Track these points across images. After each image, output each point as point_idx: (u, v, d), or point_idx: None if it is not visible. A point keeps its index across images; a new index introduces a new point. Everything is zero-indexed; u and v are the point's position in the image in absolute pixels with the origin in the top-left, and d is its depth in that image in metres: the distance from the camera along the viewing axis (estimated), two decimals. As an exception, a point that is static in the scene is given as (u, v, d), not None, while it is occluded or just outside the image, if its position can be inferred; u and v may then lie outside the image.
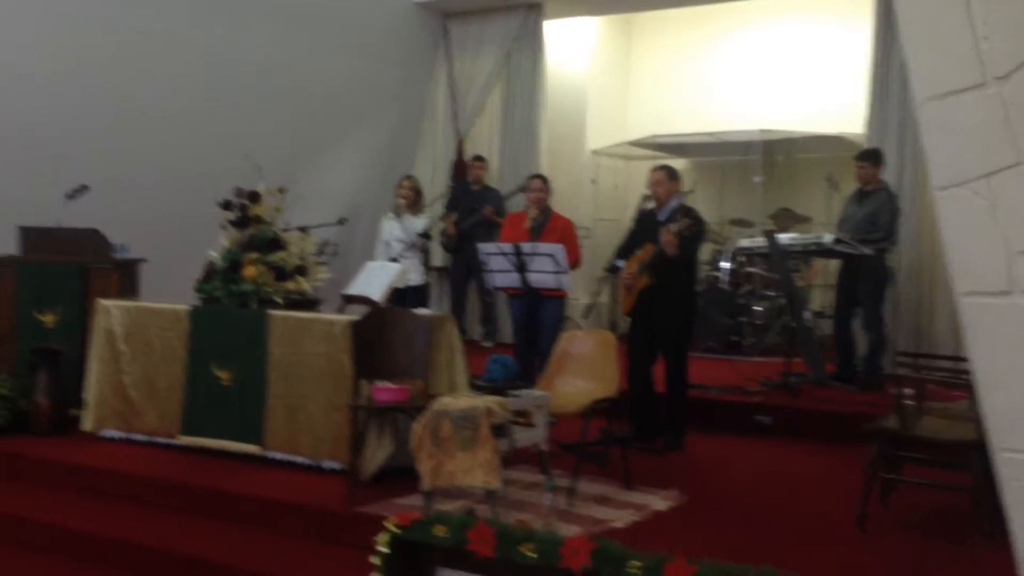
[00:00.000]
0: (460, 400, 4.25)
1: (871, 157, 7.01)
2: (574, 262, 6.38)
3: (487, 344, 9.17)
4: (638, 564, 2.45)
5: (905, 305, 7.57)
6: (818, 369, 6.94)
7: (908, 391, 4.70)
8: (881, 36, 7.88)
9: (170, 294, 6.17)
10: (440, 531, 2.76)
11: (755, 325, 8.73)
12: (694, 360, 6.02)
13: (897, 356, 6.43)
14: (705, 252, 8.50)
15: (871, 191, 6.94)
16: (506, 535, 2.66)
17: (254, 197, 5.52)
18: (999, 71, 2.70)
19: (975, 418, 3.80)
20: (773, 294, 8.83)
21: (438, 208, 9.06)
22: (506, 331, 9.30)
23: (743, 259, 8.88)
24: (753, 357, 8.45)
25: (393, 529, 2.85)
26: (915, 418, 4.38)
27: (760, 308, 8.77)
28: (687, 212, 5.78)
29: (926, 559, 3.93)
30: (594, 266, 9.50)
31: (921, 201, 7.55)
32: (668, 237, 5.44)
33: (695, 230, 5.59)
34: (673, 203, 5.82)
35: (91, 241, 6.21)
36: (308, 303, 5.45)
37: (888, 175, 7.63)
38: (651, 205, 5.93)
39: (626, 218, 10.57)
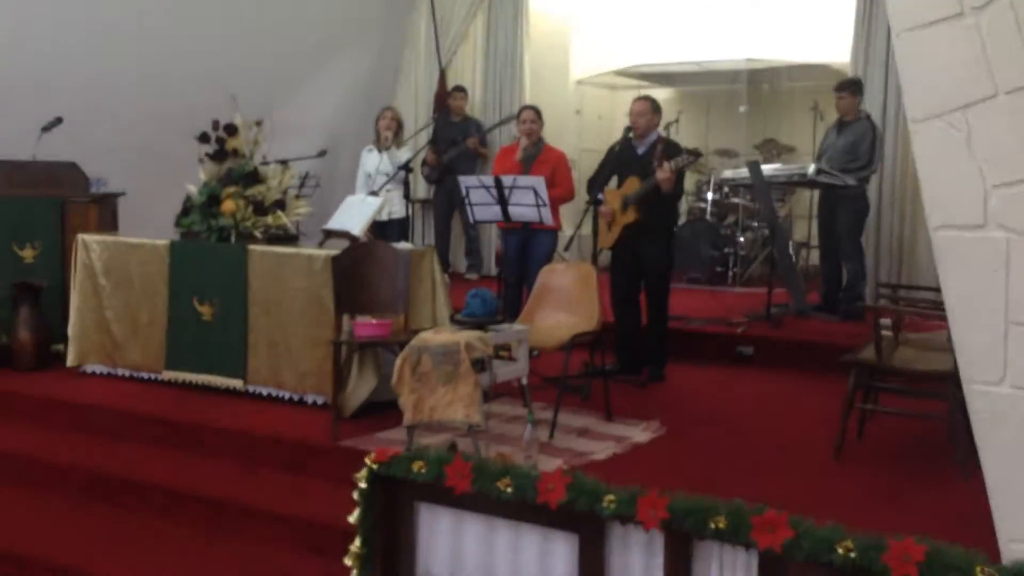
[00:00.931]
0: (440, 335, 4.26)
1: (850, 87, 6.96)
2: (567, 194, 6.34)
3: (471, 276, 9.18)
4: (612, 498, 2.49)
5: (887, 235, 7.59)
6: (799, 300, 6.98)
7: (885, 322, 4.76)
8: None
9: (149, 227, 6.13)
10: (418, 467, 2.79)
11: (739, 256, 8.76)
12: (679, 291, 6.06)
13: (878, 288, 6.46)
14: (690, 182, 8.46)
15: (851, 121, 6.91)
16: (483, 471, 2.69)
17: (231, 130, 5.45)
18: (977, 1, 2.66)
19: (952, 349, 3.84)
20: (757, 225, 8.84)
21: (420, 139, 8.97)
22: (490, 263, 9.30)
23: (727, 190, 8.86)
24: (737, 288, 8.50)
25: (372, 465, 2.88)
26: (892, 349, 4.43)
27: (744, 239, 8.79)
28: (668, 144, 5.74)
29: (899, 487, 4.01)
30: (580, 197, 9.46)
31: (904, 132, 7.50)
32: (667, 174, 5.41)
33: (692, 165, 5.56)
34: (652, 136, 5.77)
35: (68, 175, 6.15)
36: (288, 237, 5.43)
37: (873, 105, 7.59)
38: (631, 136, 5.87)
39: (611, 148, 10.51)
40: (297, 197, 5.99)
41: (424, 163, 8.83)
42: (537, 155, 6.31)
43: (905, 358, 4.33)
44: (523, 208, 5.43)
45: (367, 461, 2.92)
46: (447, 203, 9.04)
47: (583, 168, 9.99)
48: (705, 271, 8.71)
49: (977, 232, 2.71)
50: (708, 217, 8.93)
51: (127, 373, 5.71)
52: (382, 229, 7.18)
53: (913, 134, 2.82)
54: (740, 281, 8.64)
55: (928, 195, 2.81)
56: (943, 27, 2.71)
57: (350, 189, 8.84)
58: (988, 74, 2.66)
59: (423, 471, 2.79)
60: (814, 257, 8.47)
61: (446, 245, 9.28)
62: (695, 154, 5.50)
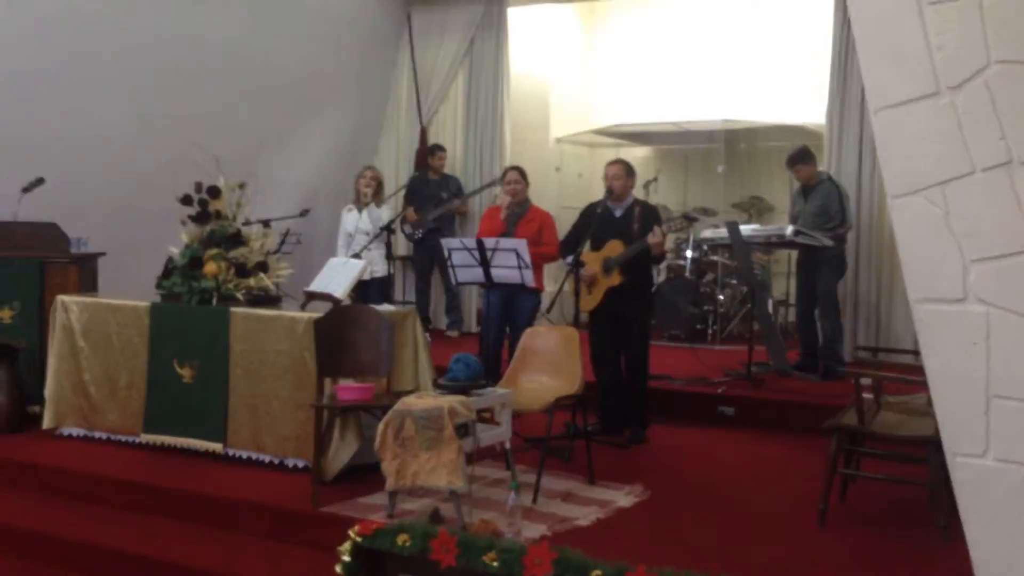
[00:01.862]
0: (423, 400, 4.25)
1: (802, 159, 7.06)
2: (553, 252, 6.36)
3: (452, 334, 9.18)
4: (599, 573, 2.47)
5: (864, 295, 7.67)
6: (779, 359, 7.02)
7: (866, 382, 4.79)
8: (842, 26, 7.91)
9: (130, 287, 6.10)
10: (403, 540, 2.76)
11: (719, 313, 8.81)
12: (659, 348, 6.08)
13: (857, 350, 6.50)
14: (669, 241, 8.55)
15: (814, 185, 7.02)
16: (469, 544, 2.67)
17: (214, 192, 5.46)
18: (952, 81, 2.73)
19: (932, 413, 3.87)
20: (736, 282, 8.92)
21: (401, 197, 9.02)
22: (471, 321, 9.30)
23: (706, 248, 8.95)
24: (717, 345, 8.54)
25: (356, 538, 2.85)
26: (873, 413, 4.46)
27: (723, 296, 8.85)
28: (646, 207, 5.81)
29: (884, 554, 4.00)
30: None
31: (879, 192, 7.63)
32: (659, 239, 5.47)
33: (684, 227, 5.63)
34: (629, 199, 5.84)
35: (49, 235, 6.13)
36: (270, 299, 5.41)
37: (848, 166, 7.73)
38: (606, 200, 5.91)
39: (590, 206, 10.61)
40: (277, 252, 5.94)
41: (404, 220, 8.87)
42: (523, 215, 6.35)
43: (886, 423, 4.36)
44: (505, 270, 5.45)
45: (351, 534, 2.90)
46: (428, 260, 9.06)
47: (563, 224, 10.04)
48: (685, 328, 8.75)
49: (957, 306, 2.75)
50: (687, 275, 8.99)
51: (104, 436, 5.64)
52: (363, 288, 7.17)
53: (892, 209, 2.88)
54: (720, 338, 8.69)
55: (908, 269, 2.85)
56: (920, 105, 2.78)
57: (331, 246, 8.86)
58: (965, 151, 2.73)
59: (408, 544, 2.77)
60: (792, 314, 8.54)
61: (427, 302, 9.29)
62: (689, 218, 5.57)
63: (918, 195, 2.80)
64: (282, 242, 7.99)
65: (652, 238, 5.49)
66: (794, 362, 7.20)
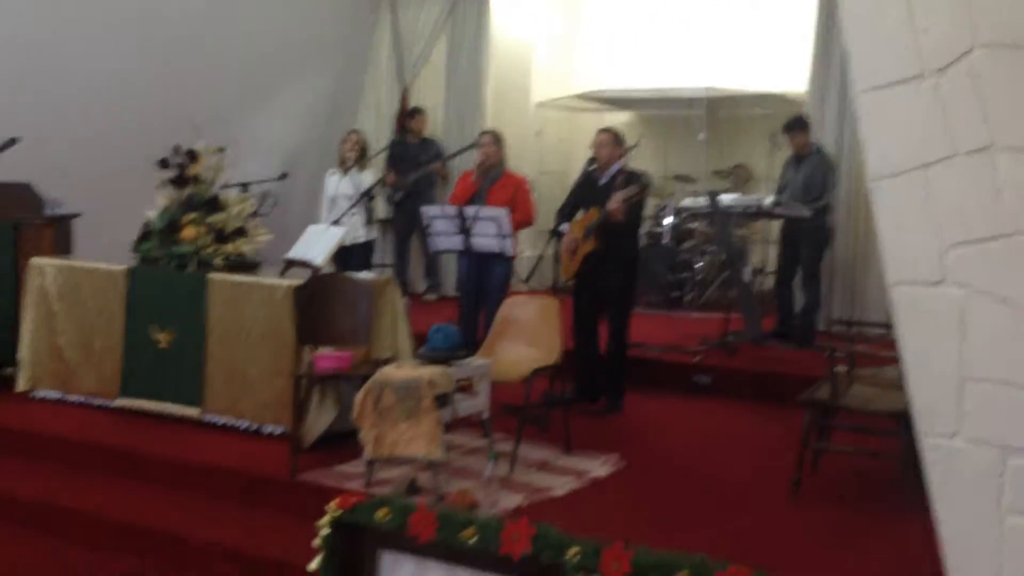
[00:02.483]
0: (402, 370, 4.26)
1: (797, 125, 7.10)
2: (527, 220, 6.33)
3: (430, 298, 9.17)
4: (577, 550, 2.50)
5: (840, 265, 7.71)
6: (755, 327, 7.08)
7: (840, 354, 4.85)
8: (825, -4, 7.89)
9: (105, 249, 6.05)
10: (382, 515, 2.78)
11: (696, 280, 8.84)
12: (636, 316, 6.08)
13: (832, 326, 6.55)
14: (648, 207, 8.55)
15: (806, 155, 7.04)
16: (447, 520, 2.69)
17: (192, 156, 5.40)
18: (937, 63, 2.73)
19: (903, 386, 3.92)
20: (714, 250, 8.94)
21: (380, 161, 8.95)
22: (449, 284, 9.28)
23: (685, 215, 8.96)
24: (693, 312, 8.57)
25: (335, 512, 2.87)
26: (846, 386, 4.50)
27: (701, 264, 8.88)
28: (630, 176, 5.79)
29: (854, 526, 4.07)
30: (540, 219, 9.50)
31: (858, 163, 7.65)
32: (616, 205, 5.46)
33: (642, 197, 5.62)
34: (615, 166, 5.83)
35: (23, 196, 6.05)
36: (248, 265, 5.38)
37: (828, 136, 7.72)
38: (594, 167, 5.93)
39: (571, 171, 10.55)
40: (255, 216, 5.87)
41: (383, 183, 8.80)
42: (498, 179, 6.29)
43: (859, 396, 4.41)
44: (485, 239, 5.44)
45: (330, 508, 2.91)
46: (407, 224, 9.02)
47: (543, 189, 10.04)
48: (662, 295, 8.77)
49: (934, 288, 2.77)
50: (666, 242, 9.01)
51: (80, 399, 5.62)
52: (345, 253, 7.12)
53: (872, 191, 2.88)
54: (697, 305, 8.73)
55: (886, 251, 2.87)
56: (904, 88, 2.77)
57: (310, 209, 8.79)
58: (947, 135, 2.73)
59: (387, 519, 2.78)
60: (769, 282, 8.59)
61: (405, 266, 9.26)
62: (642, 186, 5.56)
63: (899, 177, 2.81)
64: (260, 205, 7.96)
65: (609, 204, 5.50)
66: (770, 329, 7.26)
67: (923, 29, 2.73)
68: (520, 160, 9.85)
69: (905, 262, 2.84)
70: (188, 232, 5.23)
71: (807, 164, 7.01)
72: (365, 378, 4.38)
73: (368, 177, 7.50)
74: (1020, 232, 2.65)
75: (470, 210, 5.46)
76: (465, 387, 4.52)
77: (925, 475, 2.87)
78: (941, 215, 2.75)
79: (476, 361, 4.55)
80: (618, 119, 10.74)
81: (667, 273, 8.80)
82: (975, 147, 2.69)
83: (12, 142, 6.05)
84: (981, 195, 2.69)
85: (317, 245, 5.14)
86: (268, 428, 5.04)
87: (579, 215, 5.84)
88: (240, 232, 5.30)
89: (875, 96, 2.83)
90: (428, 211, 5.62)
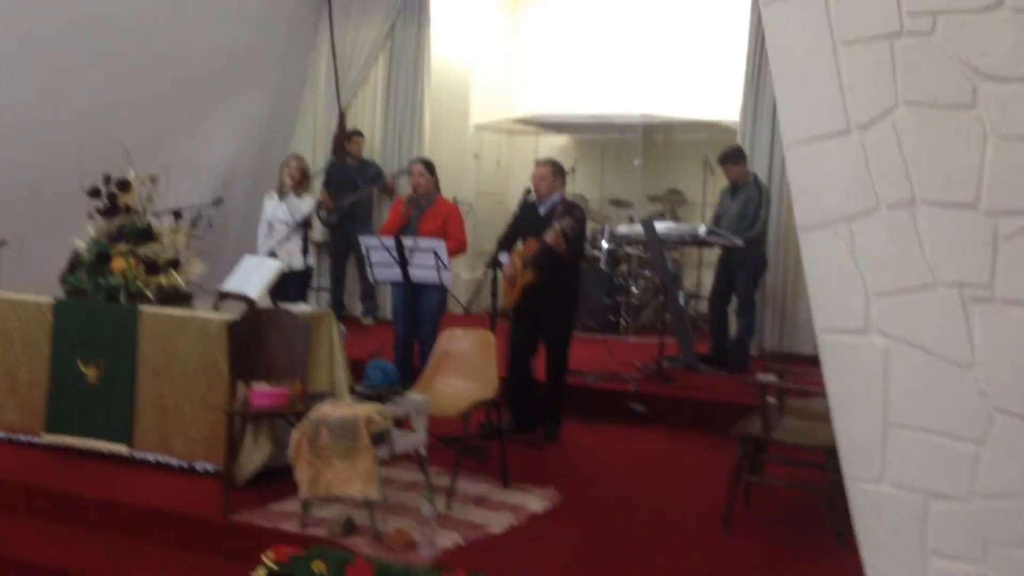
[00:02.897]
0: (339, 408, 4.23)
1: (734, 157, 7.25)
2: (460, 247, 6.34)
3: (367, 321, 9.11)
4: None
5: (771, 294, 7.87)
6: (689, 353, 7.17)
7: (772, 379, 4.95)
8: (757, 26, 8.05)
9: (31, 277, 5.89)
10: (318, 567, 2.76)
11: (632, 304, 8.94)
12: (573, 339, 6.12)
13: (764, 354, 6.66)
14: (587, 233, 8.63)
15: (743, 185, 7.18)
16: (385, 572, 2.67)
17: (124, 186, 5.30)
18: (862, 119, 2.81)
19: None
20: (649, 274, 9.05)
21: (317, 183, 8.89)
22: (386, 308, 9.23)
23: (621, 239, 9.06)
24: (630, 336, 8.66)
25: (271, 565, 2.83)
26: (777, 419, 4.59)
27: (636, 289, 8.98)
28: (569, 207, 5.84)
29: (783, 558, 4.14)
30: (478, 240, 9.54)
31: (788, 191, 7.81)
32: (554, 237, 5.50)
33: (579, 229, 5.67)
34: (554, 197, 5.87)
35: (-55, 224, 5.87)
36: (181, 297, 5.29)
37: (760, 165, 7.88)
38: (533, 198, 5.97)
39: (509, 192, 10.64)
40: (187, 236, 5.74)
41: (320, 206, 8.74)
42: (428, 207, 6.30)
43: (790, 430, 4.50)
44: (423, 270, 5.44)
45: (265, 559, 2.87)
46: (343, 247, 8.97)
47: (480, 211, 10.10)
48: (598, 319, 8.85)
49: (859, 337, 2.85)
50: (602, 266, 9.09)
51: (3, 435, 5.46)
52: (282, 280, 7.04)
53: (801, 240, 2.96)
54: (632, 329, 8.82)
55: (814, 299, 2.94)
56: (830, 142, 2.85)
57: (246, 232, 8.69)
58: (871, 188, 2.81)
59: (323, 572, 2.76)
60: (703, 306, 8.73)
61: (342, 289, 9.21)
62: (576, 219, 5.61)
63: (826, 228, 2.88)
64: (192, 226, 7.84)
65: (547, 235, 5.55)
66: (703, 354, 7.36)
67: (849, 86, 2.81)
68: (458, 182, 9.89)
69: (832, 310, 2.91)
70: (118, 263, 5.12)
71: (743, 194, 7.14)
72: (301, 415, 4.34)
73: (306, 203, 7.43)
74: (941, 284, 2.74)
75: (408, 241, 5.45)
76: (403, 422, 4.51)
77: (853, 520, 2.94)
78: (865, 266, 2.83)
79: (414, 397, 4.53)
80: (555, 142, 10.85)
81: (603, 297, 8.88)
82: (897, 201, 2.78)
83: (-66, 168, 5.88)
84: (903, 247, 2.78)
85: (253, 278, 5.08)
86: (200, 465, 4.95)
87: (519, 245, 5.87)
88: (173, 263, 5.21)
89: (803, 148, 2.91)
90: (367, 241, 5.60)
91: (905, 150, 2.76)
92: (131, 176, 5.35)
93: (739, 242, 6.91)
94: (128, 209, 5.30)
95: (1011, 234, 2.60)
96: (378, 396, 4.33)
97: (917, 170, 2.75)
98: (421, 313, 6.09)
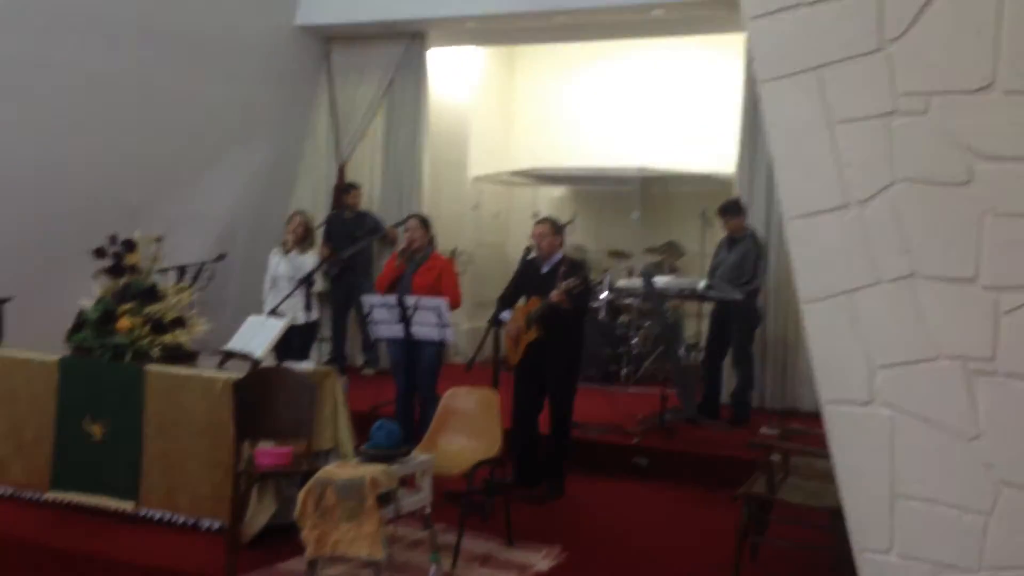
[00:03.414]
0: (345, 469, 4.25)
1: (732, 210, 7.35)
2: (454, 303, 6.40)
3: (368, 372, 9.15)
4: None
5: (771, 346, 7.93)
6: (690, 406, 7.21)
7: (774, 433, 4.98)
8: (752, 83, 8.20)
9: (36, 332, 5.93)
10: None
11: (632, 355, 8.98)
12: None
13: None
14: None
15: (740, 238, 7.27)
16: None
17: (129, 246, 5.36)
18: (860, 195, 2.89)
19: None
20: (650, 324, 9.10)
21: (317, 236, 8.96)
22: (387, 359, 9.26)
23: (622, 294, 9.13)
24: (631, 387, 8.69)
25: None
26: (781, 478, 4.62)
27: (637, 340, 9.03)
28: (572, 265, 5.91)
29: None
30: (476, 292, 9.61)
31: (785, 244, 7.91)
32: (559, 295, 5.57)
33: (584, 288, 5.74)
34: (557, 256, 5.95)
35: (-49, 281, 5.92)
36: (186, 355, 5.33)
37: (758, 216, 7.99)
38: (533, 255, 6.04)
39: (508, 243, 10.73)
40: (191, 294, 5.78)
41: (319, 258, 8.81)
42: (423, 262, 6.37)
43: (795, 490, 4.52)
44: (426, 328, 5.49)
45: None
46: (344, 299, 9.03)
47: (480, 262, 10.17)
48: (599, 369, 8.89)
49: (864, 408, 2.91)
50: (602, 316, 9.15)
51: (9, 491, 5.46)
52: (286, 333, 7.09)
53: (804, 312, 3.02)
54: (633, 380, 8.85)
55: (818, 371, 3.00)
56: (829, 217, 2.93)
57: (247, 284, 8.74)
58: (871, 263, 2.89)
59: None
60: (703, 356, 8.77)
61: (343, 340, 9.24)
62: (583, 278, 5.68)
63: (827, 301, 2.95)
64: (195, 278, 7.89)
65: (554, 294, 5.61)
66: (701, 404, 7.39)
67: (846, 163, 2.90)
68: (457, 232, 9.99)
69: (836, 382, 2.97)
70: (124, 322, 5.17)
71: (740, 247, 7.23)
72: (307, 475, 4.36)
73: (309, 259, 7.49)
74: (943, 357, 2.80)
75: (410, 299, 5.52)
76: (408, 480, 4.53)
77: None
78: (868, 338, 2.90)
79: (419, 457, 4.55)
80: (553, 194, 10.97)
81: (604, 347, 8.93)
82: (897, 275, 2.85)
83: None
84: (904, 320, 2.85)
85: (257, 337, 5.12)
86: (206, 522, 4.96)
87: (521, 302, 5.93)
88: (178, 322, 5.25)
89: (803, 223, 2.99)
90: (369, 299, 5.66)
91: (904, 225, 2.84)
92: (136, 236, 5.40)
93: (738, 296, 6.99)
94: (134, 269, 5.35)
95: (1012, 309, 2.66)
96: (383, 458, 4.35)
97: (916, 245, 2.83)
98: (419, 368, 6.14)
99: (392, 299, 5.54)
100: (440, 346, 6.17)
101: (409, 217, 6.74)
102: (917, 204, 2.81)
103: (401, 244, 6.51)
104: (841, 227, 2.91)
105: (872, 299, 2.88)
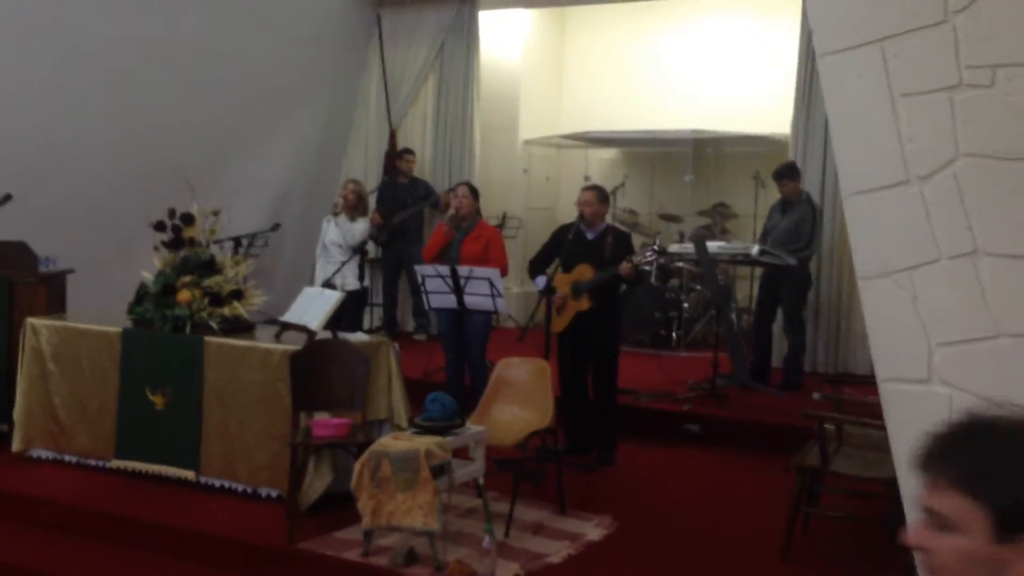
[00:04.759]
0: (400, 441, 4.32)
1: (788, 174, 7.23)
2: (502, 271, 6.41)
3: (419, 337, 9.22)
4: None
5: (825, 307, 7.84)
6: (742, 371, 7.16)
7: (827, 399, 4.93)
8: (807, 40, 8.01)
9: (98, 303, 6.08)
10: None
11: (683, 319, 8.94)
12: (624, 356, 6.14)
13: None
14: (635, 244, 8.64)
15: (794, 202, 7.16)
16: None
17: (188, 219, 5.44)
18: (922, 171, 2.83)
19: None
20: (700, 288, 9.04)
21: (371, 201, 9.02)
22: (438, 324, 9.32)
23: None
24: (681, 351, 8.67)
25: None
26: (835, 448, 4.59)
27: (688, 303, 8.98)
28: (618, 235, 5.89)
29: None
30: (527, 255, 9.57)
31: (841, 209, 7.76)
32: (628, 268, 5.54)
33: (651, 261, 5.72)
34: (602, 224, 5.92)
35: (17, 254, 6.06)
36: (243, 326, 5.42)
37: (813, 179, 7.85)
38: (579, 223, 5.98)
39: (559, 207, 10.68)
40: (245, 261, 5.86)
41: (371, 224, 8.87)
42: (471, 230, 6.40)
43: (848, 460, 4.49)
44: (478, 298, 5.52)
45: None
46: (395, 264, 9.11)
47: (530, 226, 10.14)
48: (649, 334, 8.87)
49: (921, 386, 2.86)
50: (652, 280, 9.10)
51: (75, 460, 5.63)
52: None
53: (862, 289, 2.98)
54: (684, 343, 8.82)
55: (875, 349, 2.96)
56: (890, 193, 2.87)
57: (300, 252, 8.87)
58: (932, 239, 2.83)
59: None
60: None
61: (394, 306, 9.33)
62: (657, 251, 5.67)
63: (887, 278, 2.90)
64: (250, 245, 8.03)
65: (623, 268, 5.59)
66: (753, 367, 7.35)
67: (908, 137, 2.83)
68: (508, 197, 9.99)
69: (893, 360, 2.92)
70: (184, 295, 5.27)
71: (794, 211, 7.12)
72: (362, 446, 4.44)
73: (359, 227, 7.55)
74: (1003, 334, 2.74)
75: (463, 270, 5.54)
76: (461, 451, 4.59)
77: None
78: (927, 316, 2.84)
79: (472, 429, 4.60)
80: (604, 156, 10.88)
81: (655, 311, 8.90)
82: (959, 252, 2.79)
83: (7, 198, 6.08)
84: (965, 298, 2.79)
85: (312, 309, 5.19)
86: (264, 491, 5.07)
87: (552, 269, 5.85)
88: (236, 294, 5.34)
89: (863, 200, 2.93)
90: (422, 270, 5.70)
91: (966, 202, 2.77)
92: (194, 210, 5.49)
93: (792, 261, 6.90)
94: (192, 242, 5.44)
95: (1076, 288, 2.59)
96: (438, 429, 4.41)
97: (979, 221, 2.76)
98: (468, 337, 6.17)
99: (445, 269, 5.57)
100: (488, 315, 6.20)
101: (459, 184, 6.77)
102: (980, 179, 2.74)
103: (450, 211, 6.53)
104: (902, 203, 2.84)
105: (933, 276, 2.82)
